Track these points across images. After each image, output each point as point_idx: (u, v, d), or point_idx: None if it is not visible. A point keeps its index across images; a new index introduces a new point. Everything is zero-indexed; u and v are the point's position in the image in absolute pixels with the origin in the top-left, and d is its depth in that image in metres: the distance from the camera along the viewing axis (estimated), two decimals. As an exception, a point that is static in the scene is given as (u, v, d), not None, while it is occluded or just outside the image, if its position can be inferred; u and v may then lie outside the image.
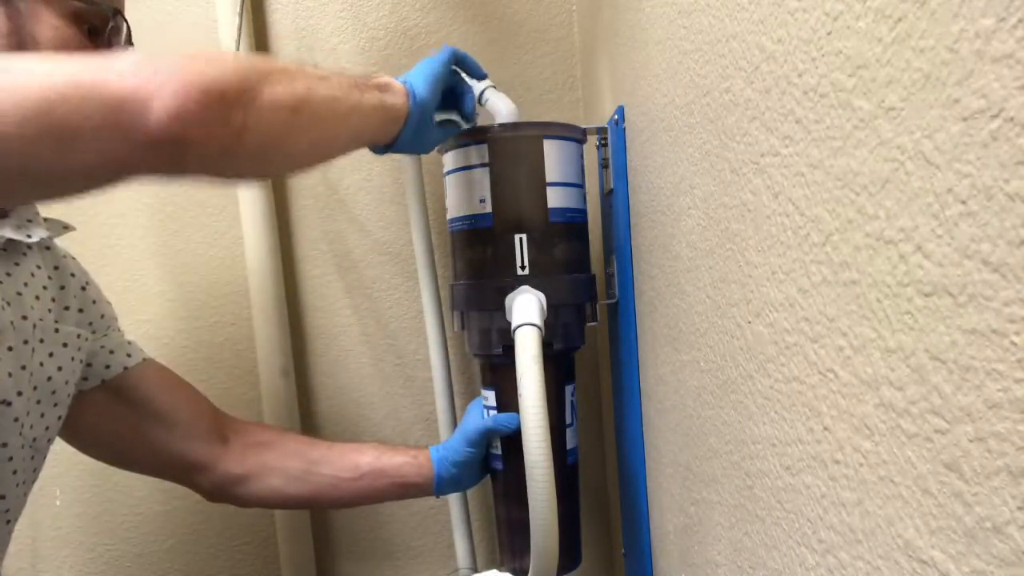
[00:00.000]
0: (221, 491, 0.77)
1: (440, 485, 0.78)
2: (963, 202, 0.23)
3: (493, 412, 0.77)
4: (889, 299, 0.28)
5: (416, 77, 0.67)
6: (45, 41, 0.58)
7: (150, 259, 1.02)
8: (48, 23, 0.59)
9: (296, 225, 1.04)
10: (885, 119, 0.27)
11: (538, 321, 0.66)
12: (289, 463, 0.77)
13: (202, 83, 0.43)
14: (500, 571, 0.78)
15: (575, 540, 0.82)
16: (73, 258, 0.72)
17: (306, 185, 1.04)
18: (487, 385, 0.79)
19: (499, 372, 0.77)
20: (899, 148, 0.26)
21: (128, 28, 0.65)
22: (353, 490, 0.78)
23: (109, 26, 0.64)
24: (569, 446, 0.78)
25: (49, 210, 0.68)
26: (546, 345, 0.69)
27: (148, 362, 0.75)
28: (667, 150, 0.58)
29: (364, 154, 1.04)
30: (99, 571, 1.05)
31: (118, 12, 0.65)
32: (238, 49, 0.92)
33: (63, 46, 0.59)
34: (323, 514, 1.07)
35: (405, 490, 0.79)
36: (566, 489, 0.76)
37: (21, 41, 0.57)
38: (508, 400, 0.75)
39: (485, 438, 0.76)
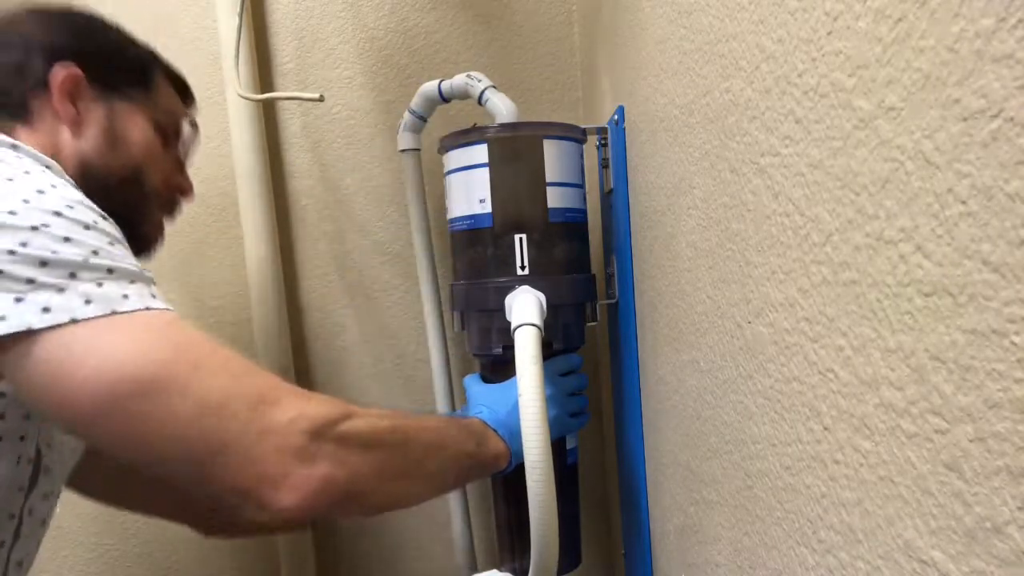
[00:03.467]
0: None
1: None
2: (963, 202, 0.23)
3: (488, 384, 0.77)
4: (889, 299, 0.28)
5: (504, 426, 0.69)
6: (133, 140, 0.66)
7: (150, 260, 1.02)
8: (138, 125, 0.67)
9: (296, 225, 1.04)
10: (885, 119, 0.27)
11: (538, 321, 0.66)
12: None
13: (334, 490, 0.50)
14: (500, 571, 0.78)
15: (575, 540, 0.82)
16: None
17: (306, 185, 1.04)
18: (487, 383, 0.79)
19: (499, 369, 0.77)
20: (899, 148, 0.26)
21: (198, 132, 0.75)
22: None
23: (184, 132, 0.73)
24: (569, 446, 0.78)
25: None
26: (546, 345, 0.69)
27: None
28: (667, 150, 0.58)
29: (363, 154, 1.04)
30: (100, 571, 1.05)
31: (195, 124, 0.74)
32: (238, 49, 0.92)
33: (146, 146, 0.67)
34: (323, 514, 1.07)
35: None
36: (566, 489, 0.76)
37: (114, 137, 0.65)
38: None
39: None
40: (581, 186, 0.77)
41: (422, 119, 0.91)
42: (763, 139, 0.38)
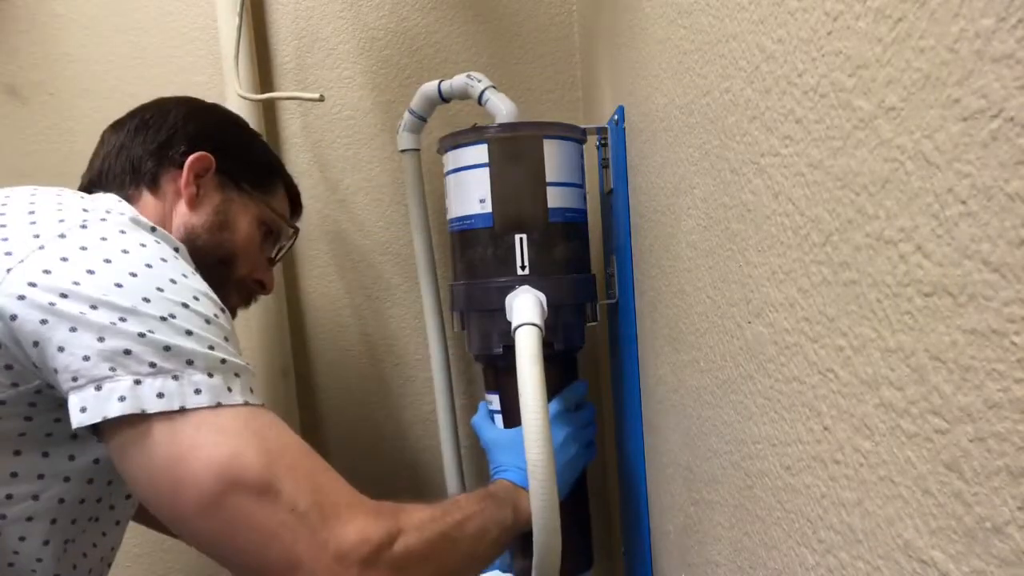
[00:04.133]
0: None
1: None
2: (963, 202, 0.23)
3: (499, 416, 0.77)
4: (889, 299, 0.28)
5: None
6: (239, 230, 0.71)
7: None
8: (247, 218, 0.73)
9: (296, 225, 1.04)
10: (885, 119, 0.27)
11: (538, 321, 0.66)
12: None
13: None
14: (501, 572, 0.77)
15: (586, 542, 0.82)
16: None
17: (306, 185, 1.04)
18: (491, 389, 0.79)
19: (502, 376, 0.77)
20: (899, 148, 0.26)
21: (295, 237, 0.82)
22: None
23: (283, 235, 0.80)
24: None
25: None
26: (546, 345, 0.69)
27: None
28: (667, 150, 0.58)
29: (363, 153, 1.04)
30: (99, 571, 1.05)
31: (297, 231, 0.82)
32: (238, 49, 0.92)
33: (248, 237, 0.73)
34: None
35: None
36: (575, 493, 0.76)
37: (223, 220, 0.70)
38: (512, 405, 0.75)
39: None
40: (581, 186, 0.77)
41: (422, 119, 0.91)
42: (763, 139, 0.38)
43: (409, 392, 1.07)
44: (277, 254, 0.81)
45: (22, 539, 0.56)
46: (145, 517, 0.75)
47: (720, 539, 0.51)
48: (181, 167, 0.68)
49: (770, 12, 0.36)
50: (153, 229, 0.56)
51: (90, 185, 0.69)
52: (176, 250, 0.56)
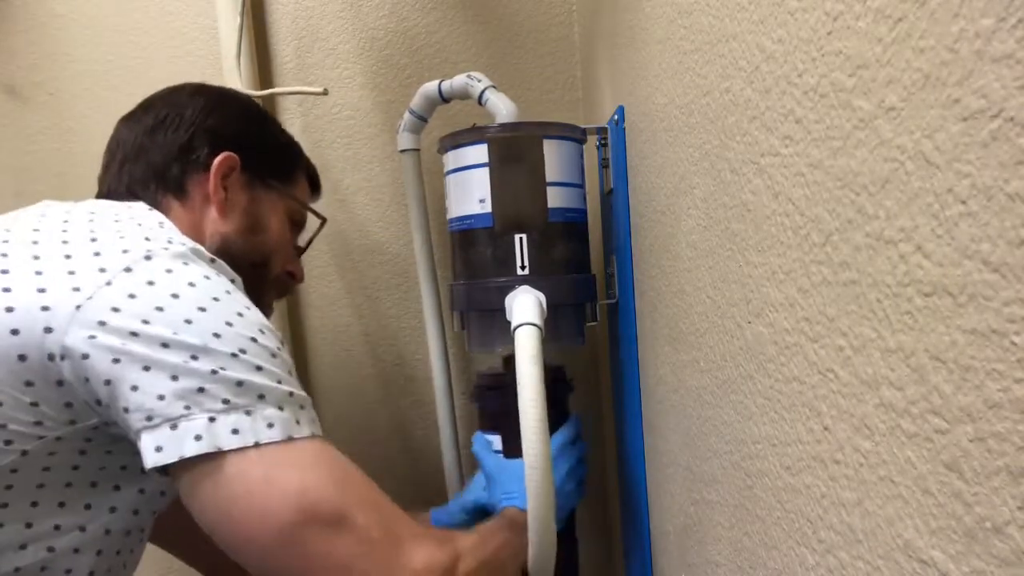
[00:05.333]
0: None
1: None
2: (963, 202, 0.23)
3: (500, 456, 0.78)
4: (889, 299, 0.28)
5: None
6: (270, 227, 0.71)
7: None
8: (277, 215, 0.72)
9: (296, 225, 1.04)
10: (885, 119, 0.27)
11: (538, 321, 0.66)
12: None
13: None
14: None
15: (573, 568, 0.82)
16: None
17: (306, 185, 1.04)
18: (488, 430, 0.80)
19: (500, 418, 0.78)
20: (899, 148, 0.26)
21: (323, 225, 0.81)
22: None
23: (307, 222, 0.79)
24: None
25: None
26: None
27: None
28: (667, 150, 0.58)
29: (363, 153, 1.04)
30: (99, 571, 1.05)
31: (324, 221, 0.80)
32: (239, 49, 0.92)
33: (280, 235, 0.73)
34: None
35: None
36: (565, 532, 0.77)
37: (253, 222, 0.70)
38: (515, 446, 0.75)
39: (481, 512, 0.78)
40: (581, 186, 0.77)
41: (422, 119, 0.91)
42: (763, 139, 0.38)
43: (409, 392, 1.07)
44: (306, 244, 0.81)
45: (68, 572, 0.55)
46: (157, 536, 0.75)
47: (720, 539, 0.51)
48: (206, 169, 0.67)
49: (770, 12, 0.36)
50: (212, 260, 0.56)
51: (110, 192, 0.67)
52: (232, 281, 0.56)
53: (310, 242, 0.81)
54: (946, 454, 0.25)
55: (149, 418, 0.48)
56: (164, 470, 0.49)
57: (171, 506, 0.66)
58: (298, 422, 0.52)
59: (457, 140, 0.75)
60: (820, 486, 0.35)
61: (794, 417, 0.37)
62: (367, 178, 1.04)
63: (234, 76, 0.93)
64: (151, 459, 0.48)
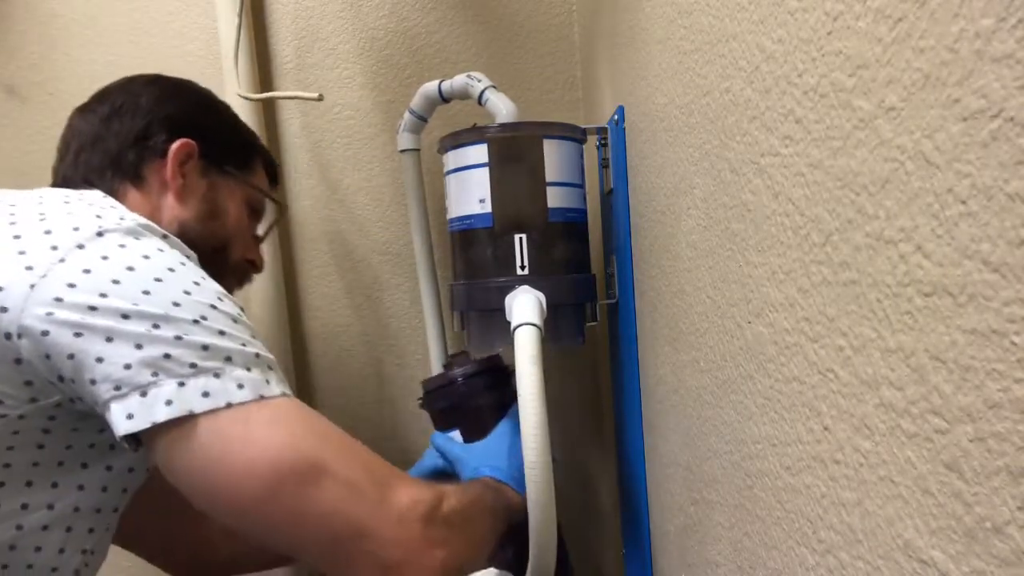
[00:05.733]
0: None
1: None
2: (963, 202, 0.23)
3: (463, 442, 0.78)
4: (889, 299, 0.28)
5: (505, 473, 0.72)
6: (228, 213, 0.71)
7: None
8: (235, 202, 0.72)
9: (296, 225, 1.04)
10: (885, 119, 0.27)
11: (538, 321, 0.66)
12: None
13: (450, 570, 0.54)
14: (499, 571, 0.77)
15: (561, 554, 0.82)
16: None
17: (306, 185, 1.04)
18: (446, 428, 0.79)
19: (455, 414, 0.78)
20: (899, 148, 0.26)
21: (282, 212, 0.82)
22: None
23: (265, 211, 0.79)
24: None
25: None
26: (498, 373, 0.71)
27: None
28: (667, 150, 0.58)
29: (363, 153, 1.04)
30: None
31: (285, 208, 0.82)
32: (237, 49, 0.92)
33: (238, 221, 0.73)
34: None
35: None
36: None
37: (211, 208, 0.70)
38: (474, 430, 0.77)
39: (438, 476, 0.79)
40: (581, 186, 0.77)
41: (422, 119, 0.91)
42: (763, 139, 0.38)
43: (409, 392, 1.07)
44: (265, 232, 0.81)
45: (38, 549, 0.56)
46: (126, 540, 0.75)
47: (720, 539, 0.51)
48: (163, 156, 0.66)
49: (770, 12, 0.36)
50: (165, 236, 0.56)
51: (65, 181, 0.67)
52: (188, 256, 0.57)
53: (269, 230, 0.81)
54: (946, 454, 0.25)
55: (117, 387, 0.48)
56: (137, 441, 0.49)
57: (141, 506, 0.67)
58: (268, 382, 0.52)
59: (457, 140, 0.75)
60: (820, 486, 0.35)
61: (794, 417, 0.37)
62: (367, 178, 1.04)
63: (233, 76, 0.93)
64: (123, 427, 0.48)
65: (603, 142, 0.81)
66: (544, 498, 0.62)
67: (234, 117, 0.77)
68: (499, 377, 0.80)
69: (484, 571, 0.76)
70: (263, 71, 1.01)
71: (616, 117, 0.76)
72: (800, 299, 0.35)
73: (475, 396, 0.78)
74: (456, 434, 0.79)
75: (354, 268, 1.05)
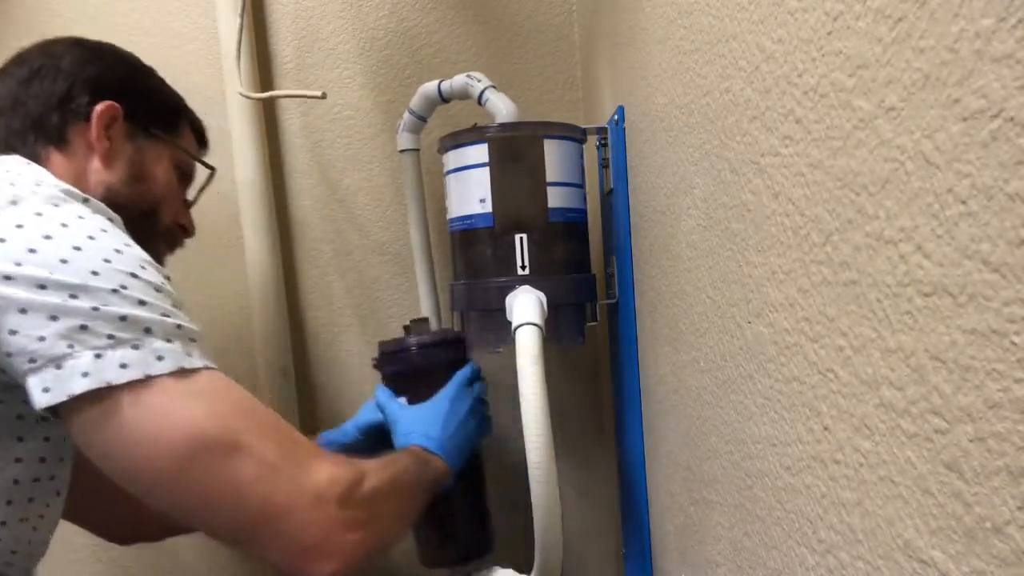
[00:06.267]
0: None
1: None
2: (963, 202, 0.23)
3: (404, 403, 0.78)
4: (889, 299, 0.28)
5: (439, 444, 0.72)
6: (156, 176, 0.70)
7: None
8: (162, 165, 0.71)
9: (296, 225, 1.04)
10: (885, 119, 0.27)
11: (539, 321, 0.66)
12: None
13: (370, 550, 0.55)
14: (502, 568, 0.77)
15: (482, 524, 0.82)
16: None
17: (306, 185, 1.04)
18: (396, 393, 0.79)
19: (402, 379, 0.78)
20: (899, 148, 0.26)
21: (212, 176, 0.80)
22: None
23: (194, 175, 0.78)
24: None
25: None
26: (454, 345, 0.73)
27: None
28: (667, 150, 0.58)
29: (363, 153, 1.04)
30: (97, 571, 1.05)
31: (213, 170, 0.79)
32: (239, 48, 0.92)
33: (167, 184, 0.71)
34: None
35: None
36: (469, 471, 0.76)
37: (138, 171, 0.68)
38: (418, 396, 0.76)
39: (376, 431, 0.79)
40: (581, 186, 0.77)
41: (422, 119, 0.91)
42: (763, 139, 0.39)
43: (409, 392, 1.07)
44: (195, 196, 0.80)
45: None
46: (84, 518, 0.74)
47: (720, 539, 0.51)
48: (87, 119, 0.65)
49: (770, 12, 0.36)
50: (86, 200, 0.55)
51: None
52: (111, 220, 0.55)
53: (200, 193, 0.80)
54: (946, 454, 0.25)
55: (32, 360, 0.47)
56: (56, 412, 0.49)
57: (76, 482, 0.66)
58: (189, 354, 0.51)
59: (457, 140, 0.75)
60: (820, 486, 0.35)
61: (794, 417, 0.37)
62: (367, 178, 1.04)
63: (234, 76, 0.93)
64: (40, 400, 0.47)
65: (603, 142, 0.81)
66: (548, 498, 0.62)
67: (159, 80, 0.75)
68: (455, 349, 0.80)
69: (504, 571, 0.75)
70: (263, 71, 1.01)
71: (616, 117, 0.76)
72: (800, 299, 0.35)
73: (427, 365, 0.78)
74: (405, 400, 0.79)
75: (354, 268, 1.05)
